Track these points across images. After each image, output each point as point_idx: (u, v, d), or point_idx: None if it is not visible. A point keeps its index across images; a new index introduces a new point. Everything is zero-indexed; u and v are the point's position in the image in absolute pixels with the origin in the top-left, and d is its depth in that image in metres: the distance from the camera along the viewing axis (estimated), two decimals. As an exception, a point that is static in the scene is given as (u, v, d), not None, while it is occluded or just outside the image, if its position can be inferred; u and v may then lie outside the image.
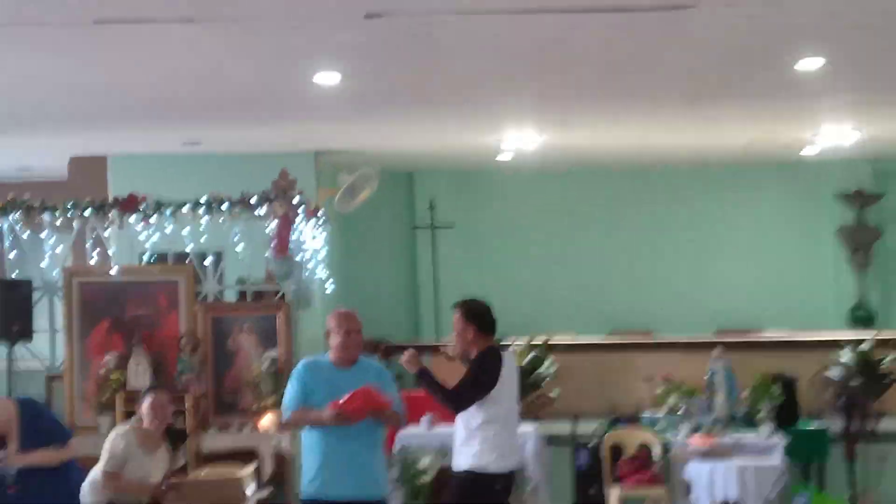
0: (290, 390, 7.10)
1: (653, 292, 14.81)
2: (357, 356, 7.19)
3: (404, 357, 7.23)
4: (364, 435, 7.02)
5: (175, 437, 8.10)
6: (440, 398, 7.23)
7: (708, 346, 11.27)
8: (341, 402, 6.79)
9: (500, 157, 13.26)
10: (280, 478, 10.59)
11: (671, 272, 14.94)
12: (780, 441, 10.17)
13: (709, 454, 9.88)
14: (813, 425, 11.02)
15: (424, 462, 10.29)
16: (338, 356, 7.16)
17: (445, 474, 9.38)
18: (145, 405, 7.90)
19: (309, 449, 7.11)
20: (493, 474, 7.19)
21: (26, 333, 11.10)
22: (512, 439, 7.44)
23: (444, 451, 10.02)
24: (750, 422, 10.59)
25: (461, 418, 7.25)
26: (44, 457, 7.06)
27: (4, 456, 6.92)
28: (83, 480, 7.58)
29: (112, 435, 7.93)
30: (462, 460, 7.20)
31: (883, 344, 11.27)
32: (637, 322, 14.13)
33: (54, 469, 7.13)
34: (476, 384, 7.18)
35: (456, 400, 7.17)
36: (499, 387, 7.24)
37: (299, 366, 7.26)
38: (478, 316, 7.39)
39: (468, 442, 7.18)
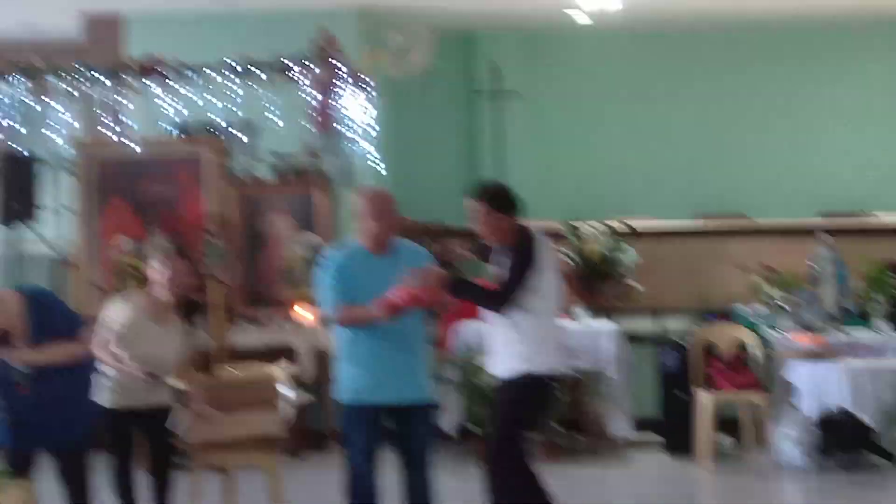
0: (328, 285, 6.98)
1: (746, 171, 14.44)
2: (393, 241, 7.09)
3: (432, 279, 6.77)
4: (406, 335, 6.99)
5: (190, 309, 7.73)
6: (482, 300, 6.93)
7: (811, 231, 10.90)
8: (392, 297, 6.66)
9: (575, 18, 12.95)
10: (319, 376, 10.37)
11: (768, 149, 14.50)
12: (899, 340, 9.87)
13: (815, 355, 9.47)
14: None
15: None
16: (373, 243, 7.02)
17: None
18: (157, 270, 7.44)
19: (346, 351, 7.04)
20: (549, 376, 6.94)
21: (30, 213, 10.97)
22: (560, 334, 7.23)
23: None
24: (863, 318, 10.23)
25: (503, 321, 6.89)
26: (56, 353, 6.74)
27: (12, 353, 6.67)
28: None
29: (114, 304, 7.54)
30: (510, 365, 6.88)
31: None
32: (729, 205, 13.71)
33: (68, 366, 6.81)
34: (520, 274, 6.83)
35: (499, 298, 6.81)
36: (540, 273, 6.90)
37: (331, 257, 7.15)
38: (503, 199, 6.97)
39: (513, 344, 6.86)
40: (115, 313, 7.36)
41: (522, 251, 6.86)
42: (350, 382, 6.98)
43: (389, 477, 7.28)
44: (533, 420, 7.12)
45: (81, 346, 6.84)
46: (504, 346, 6.87)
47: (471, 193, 6.98)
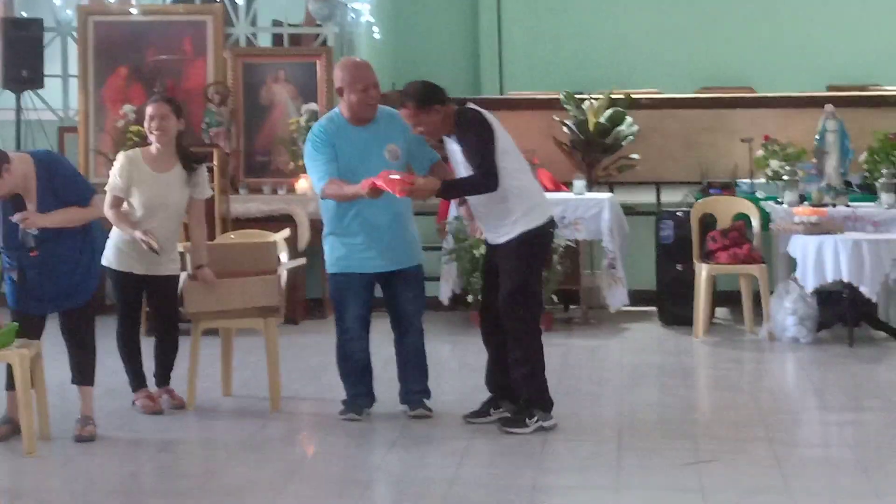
0: (319, 157, 7.11)
1: (753, 43, 14.13)
2: (375, 112, 7.19)
3: (420, 189, 6.84)
4: (393, 204, 7.08)
5: (188, 157, 7.56)
6: (474, 189, 6.94)
7: (817, 102, 10.84)
8: (378, 181, 6.76)
9: None
10: (318, 245, 10.16)
11: (774, 20, 14.23)
12: (902, 212, 9.78)
13: (817, 227, 9.43)
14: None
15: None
16: (356, 115, 7.15)
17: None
18: (146, 119, 7.49)
19: (334, 222, 7.24)
20: (546, 225, 7.11)
21: (36, 80, 10.99)
22: (536, 182, 7.40)
23: None
24: (867, 190, 10.26)
25: (488, 196, 6.94)
26: (65, 216, 6.79)
27: (23, 217, 6.70)
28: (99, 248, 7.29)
29: (117, 160, 7.61)
30: (511, 231, 6.96)
31: None
32: (733, 76, 13.44)
33: (77, 230, 6.88)
34: (486, 146, 6.87)
35: (486, 176, 6.84)
36: (497, 136, 6.94)
37: (317, 130, 7.23)
38: (430, 93, 6.92)
39: (507, 212, 6.95)
40: (117, 167, 7.43)
41: (473, 126, 6.90)
42: (338, 252, 7.19)
43: (380, 344, 7.59)
44: (542, 268, 7.31)
45: (90, 210, 6.88)
46: (499, 218, 6.94)
47: (403, 100, 6.92)
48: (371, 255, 7.14)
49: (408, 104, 6.88)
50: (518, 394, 7.02)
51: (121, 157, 7.54)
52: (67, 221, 6.77)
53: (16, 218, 6.65)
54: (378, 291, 7.32)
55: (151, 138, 7.44)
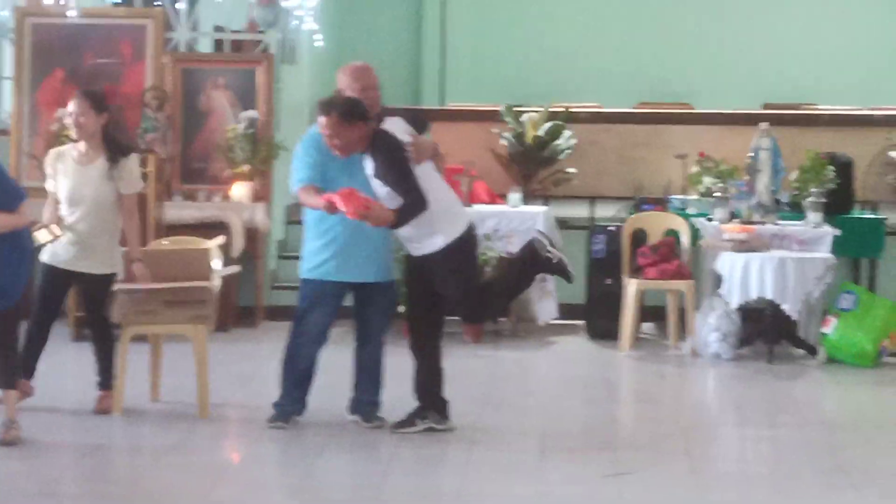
0: (304, 160, 7.11)
1: (691, 60, 14.22)
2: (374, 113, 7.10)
3: (374, 216, 6.83)
4: None
5: (114, 153, 7.55)
6: (414, 215, 6.91)
7: (753, 119, 10.78)
8: (333, 197, 6.76)
9: None
10: (252, 253, 10.52)
11: (712, 35, 14.33)
12: (828, 232, 9.84)
13: (745, 244, 9.50)
14: (868, 215, 10.59)
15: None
16: None
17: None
18: (69, 113, 7.56)
19: (313, 229, 7.23)
20: (470, 229, 7.22)
21: None
22: (450, 191, 7.36)
23: None
24: (796, 209, 10.26)
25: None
26: None
27: None
28: (34, 251, 7.29)
29: (47, 157, 7.72)
30: (435, 241, 7.03)
31: None
32: (671, 93, 13.48)
33: (6, 236, 6.81)
34: (409, 171, 6.95)
35: (420, 200, 6.90)
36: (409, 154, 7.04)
37: (313, 133, 7.16)
38: (355, 110, 6.94)
39: (433, 222, 7.00)
40: (46, 161, 7.54)
41: (394, 151, 6.92)
42: (316, 259, 7.20)
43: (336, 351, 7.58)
44: (475, 269, 7.40)
45: (15, 217, 6.80)
46: (423, 231, 6.97)
47: (324, 112, 6.91)
48: (348, 264, 7.16)
49: (332, 114, 6.86)
50: (416, 395, 7.19)
51: (51, 152, 7.64)
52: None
53: None
54: (348, 300, 7.33)
55: (72, 133, 7.54)
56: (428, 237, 7.01)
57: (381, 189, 6.94)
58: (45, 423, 7.27)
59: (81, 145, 7.52)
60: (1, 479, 6.34)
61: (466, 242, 7.15)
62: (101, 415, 7.47)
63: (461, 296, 7.07)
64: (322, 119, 6.93)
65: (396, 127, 7.02)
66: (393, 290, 7.44)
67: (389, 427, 7.15)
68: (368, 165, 7.02)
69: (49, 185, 7.53)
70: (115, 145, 7.59)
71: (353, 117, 6.90)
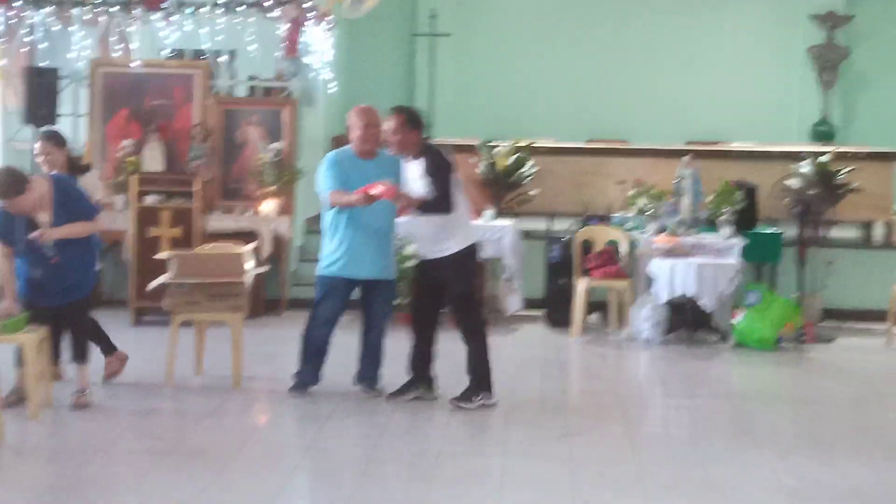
0: (329, 175, 7.06)
1: (629, 102, 14.23)
2: (376, 149, 7.13)
3: (405, 197, 6.86)
4: (384, 223, 7.13)
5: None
6: (436, 208, 6.88)
7: (678, 154, 10.69)
8: (371, 190, 6.79)
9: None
10: (277, 256, 10.44)
11: (647, 83, 14.33)
12: (737, 243, 9.74)
13: (671, 252, 9.49)
14: (769, 230, 10.52)
15: (412, 248, 9.76)
16: (359, 149, 7.10)
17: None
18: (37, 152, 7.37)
19: (334, 232, 7.14)
20: (475, 244, 7.20)
21: (51, 117, 10.73)
22: (468, 213, 7.30)
23: None
24: (711, 224, 10.14)
25: (428, 220, 6.96)
26: (74, 229, 6.77)
27: (39, 234, 6.66)
28: (99, 250, 7.26)
29: None
30: (454, 244, 6.97)
31: (841, 157, 10.81)
32: (613, 130, 13.51)
33: (83, 240, 6.87)
34: (448, 180, 6.93)
35: (445, 201, 6.88)
36: (454, 173, 7.05)
37: (331, 157, 7.19)
38: (420, 122, 7.00)
39: (450, 231, 6.95)
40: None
41: (442, 161, 6.92)
42: (332, 258, 7.13)
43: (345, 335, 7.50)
44: (476, 278, 7.29)
45: (93, 224, 6.87)
46: (438, 236, 6.92)
47: (395, 110, 6.93)
48: (359, 264, 7.10)
49: (399, 116, 6.88)
50: (469, 375, 7.05)
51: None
52: (75, 233, 6.76)
53: (33, 236, 6.63)
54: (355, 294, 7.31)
55: (45, 168, 7.33)
56: (444, 241, 6.93)
57: (421, 190, 6.85)
58: (111, 392, 7.28)
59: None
60: (74, 436, 6.40)
61: (473, 253, 7.09)
62: (111, 378, 7.46)
63: (459, 296, 6.99)
64: (391, 118, 6.90)
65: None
66: (393, 286, 7.39)
67: (450, 401, 6.99)
68: (414, 169, 6.91)
69: None
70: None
71: (415, 123, 6.90)
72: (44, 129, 7.65)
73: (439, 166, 6.90)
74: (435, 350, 7.25)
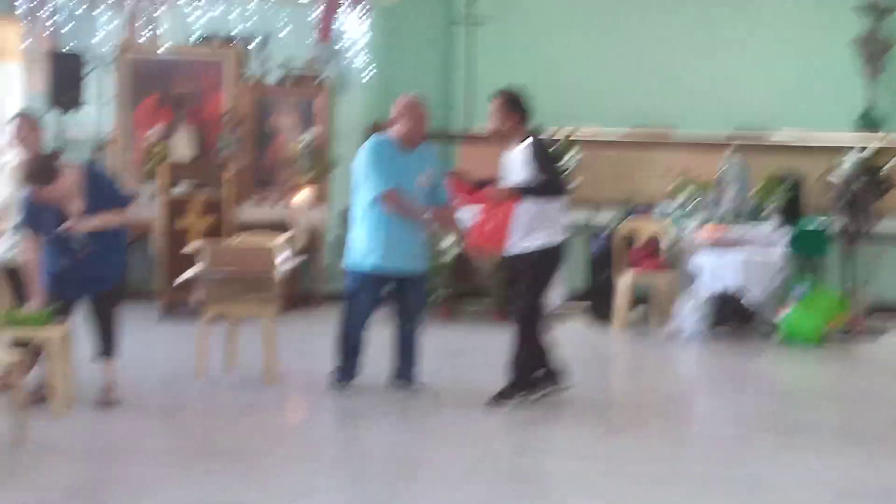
0: (381, 166, 6.96)
1: (674, 90, 13.86)
2: (419, 141, 7.12)
3: (497, 194, 6.84)
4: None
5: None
6: (544, 190, 6.76)
7: (723, 145, 10.65)
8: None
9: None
10: (311, 248, 10.39)
11: (692, 70, 13.97)
12: (783, 236, 9.73)
13: (715, 245, 9.48)
14: (815, 223, 10.42)
15: (448, 241, 9.76)
16: (405, 140, 7.05)
17: (465, 257, 9.56)
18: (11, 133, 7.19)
19: (368, 226, 7.05)
20: (557, 246, 6.97)
21: (77, 103, 10.64)
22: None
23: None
24: (757, 217, 10.10)
25: (528, 206, 6.81)
26: (105, 219, 6.68)
27: (69, 226, 6.59)
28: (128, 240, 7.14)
29: None
30: (538, 240, 6.86)
31: (887, 149, 10.72)
32: (657, 117, 13.27)
33: (113, 231, 6.79)
34: (553, 166, 6.93)
35: (556, 183, 6.85)
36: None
37: (380, 143, 7.08)
38: (520, 104, 6.94)
39: (536, 227, 6.84)
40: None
41: (543, 146, 6.89)
42: (363, 251, 7.06)
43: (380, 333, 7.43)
44: (550, 279, 7.02)
45: (125, 214, 6.78)
46: (526, 228, 6.82)
47: (497, 93, 6.92)
48: (391, 258, 7.03)
49: (500, 97, 6.87)
50: (508, 373, 6.96)
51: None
52: (106, 224, 6.67)
53: (63, 228, 6.55)
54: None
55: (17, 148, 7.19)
56: (530, 235, 6.82)
57: (523, 176, 6.75)
58: (139, 389, 7.21)
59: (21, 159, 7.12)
60: (103, 434, 6.36)
61: (556, 252, 6.93)
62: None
63: (523, 293, 6.88)
64: (493, 101, 6.90)
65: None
66: (426, 279, 7.33)
67: (489, 399, 6.89)
68: (517, 154, 6.82)
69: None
70: (44, 158, 7.06)
71: (513, 108, 6.84)
72: (19, 110, 7.50)
73: (542, 153, 6.81)
74: (545, 343, 7.08)
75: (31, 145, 7.21)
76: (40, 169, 6.49)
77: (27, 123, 7.30)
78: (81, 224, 6.59)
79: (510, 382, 6.95)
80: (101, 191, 6.70)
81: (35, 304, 6.56)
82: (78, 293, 6.79)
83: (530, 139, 6.85)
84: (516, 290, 6.94)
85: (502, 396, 6.93)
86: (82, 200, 6.62)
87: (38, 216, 6.59)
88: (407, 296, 7.22)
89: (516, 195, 6.76)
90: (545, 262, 6.92)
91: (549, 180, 6.77)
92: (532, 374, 6.98)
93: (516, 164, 6.84)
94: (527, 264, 6.86)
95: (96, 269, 6.75)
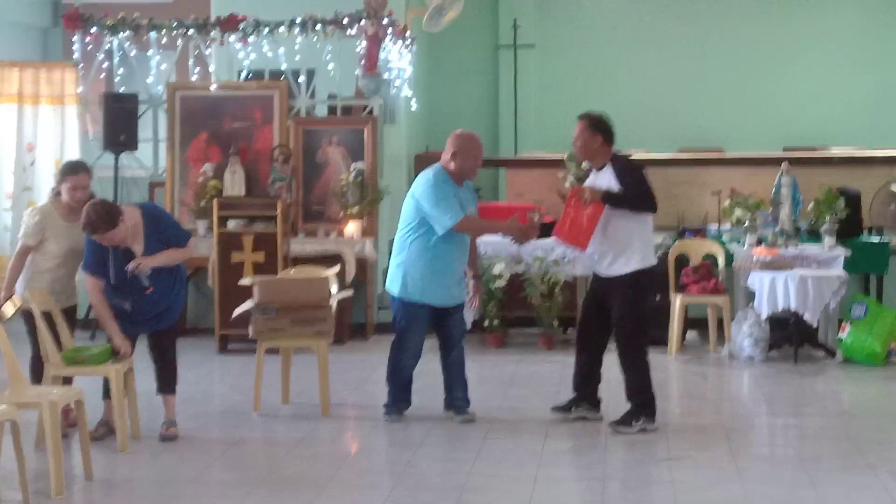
0: (448, 199, 7.04)
1: (723, 109, 14.01)
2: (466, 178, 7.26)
3: (590, 192, 6.86)
4: (463, 249, 7.21)
5: None
6: (636, 205, 6.87)
7: (775, 161, 10.58)
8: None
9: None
10: (362, 279, 10.49)
11: (741, 88, 14.10)
12: (841, 253, 9.64)
13: (771, 265, 9.35)
14: (875, 239, 10.33)
15: (498, 268, 9.84)
16: (462, 175, 7.16)
17: (517, 280, 9.89)
18: (65, 186, 7.06)
19: (419, 260, 7.13)
20: (652, 267, 7.05)
21: (131, 143, 10.91)
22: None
23: (518, 259, 9.69)
24: (813, 234, 10.07)
25: (617, 226, 6.89)
26: (168, 256, 6.83)
27: (137, 264, 6.70)
28: (187, 277, 7.28)
29: (27, 212, 7.26)
30: (630, 264, 6.90)
31: None
32: (706, 139, 13.33)
33: (172, 269, 6.94)
34: (647, 182, 6.94)
35: (650, 198, 6.89)
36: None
37: (443, 178, 7.13)
38: (603, 126, 6.98)
39: (630, 247, 6.89)
40: (27, 217, 7.05)
41: (629, 165, 6.96)
42: (415, 283, 7.14)
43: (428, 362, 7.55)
44: (645, 304, 7.05)
45: (187, 251, 6.92)
46: (619, 252, 6.88)
47: (579, 117, 6.99)
48: (441, 291, 7.15)
49: (584, 121, 6.94)
50: (628, 400, 7.01)
51: (33, 211, 7.12)
52: (170, 260, 6.82)
53: (131, 267, 6.66)
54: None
55: (66, 199, 7.00)
56: (620, 258, 6.88)
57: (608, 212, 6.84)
58: (198, 423, 7.35)
59: (66, 205, 7.03)
60: (163, 468, 6.46)
61: (647, 276, 6.98)
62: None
63: (623, 316, 6.90)
64: (578, 122, 6.98)
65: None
66: (463, 306, 7.39)
67: (610, 425, 6.97)
68: (602, 178, 6.92)
69: (24, 239, 7.03)
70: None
71: (598, 128, 6.92)
72: (70, 161, 7.53)
73: (631, 170, 6.90)
74: (600, 370, 7.23)
75: (87, 193, 7.13)
76: (102, 216, 6.57)
77: (88, 173, 7.20)
78: (147, 262, 6.71)
79: (635, 406, 6.99)
80: (161, 229, 6.85)
81: (117, 341, 6.71)
82: (140, 330, 6.92)
83: (616, 161, 6.94)
84: (619, 314, 6.92)
85: (623, 422, 6.97)
86: (143, 241, 6.76)
87: (101, 259, 6.72)
88: (450, 324, 7.31)
89: (607, 200, 6.83)
90: (644, 283, 6.98)
91: (645, 193, 6.85)
92: (652, 397, 7.02)
93: (605, 182, 6.91)
94: (626, 286, 6.89)
95: (159, 306, 6.88)
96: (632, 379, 7.00)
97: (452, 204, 7.03)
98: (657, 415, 7.08)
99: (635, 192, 6.83)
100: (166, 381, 7.04)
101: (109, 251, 6.72)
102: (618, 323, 6.94)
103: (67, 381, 6.76)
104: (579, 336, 7.25)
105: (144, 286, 6.73)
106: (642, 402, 6.99)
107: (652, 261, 7.00)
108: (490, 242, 9.77)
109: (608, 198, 6.83)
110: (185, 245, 6.94)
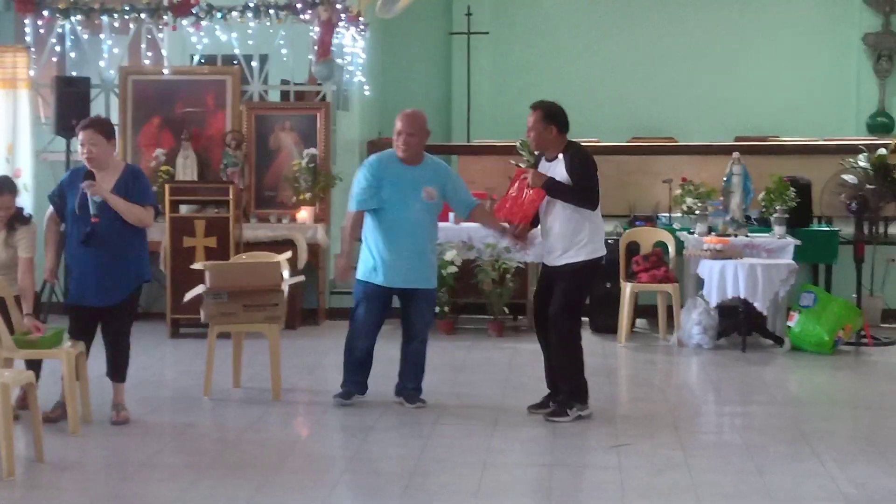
0: (363, 185, 7.14)
1: (674, 99, 14.15)
2: (419, 156, 7.19)
3: (534, 175, 6.92)
4: (424, 229, 7.20)
5: (11, 221, 7.03)
6: (576, 198, 6.87)
7: (726, 150, 10.71)
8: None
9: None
10: (314, 265, 10.50)
11: (693, 78, 14.24)
12: (791, 242, 9.71)
13: (721, 253, 9.42)
14: (824, 228, 10.46)
15: (450, 255, 9.90)
16: (405, 154, 7.18)
17: (468, 266, 9.97)
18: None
19: (371, 240, 7.20)
20: (601, 258, 7.08)
21: None
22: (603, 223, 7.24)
23: (469, 245, 9.74)
24: (763, 223, 10.14)
25: (568, 217, 6.91)
26: (124, 204, 6.80)
27: (91, 184, 6.75)
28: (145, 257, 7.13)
29: None
30: (577, 256, 6.92)
31: None
32: (659, 129, 13.46)
33: (135, 238, 6.92)
34: (594, 176, 6.94)
35: (591, 195, 6.90)
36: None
37: (372, 161, 7.26)
38: (557, 116, 6.96)
39: (579, 237, 6.91)
40: None
41: (587, 159, 6.93)
42: (370, 265, 7.20)
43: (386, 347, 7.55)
44: (586, 295, 7.15)
45: (143, 211, 6.83)
46: (568, 242, 6.89)
47: (533, 106, 6.95)
48: (395, 273, 7.15)
49: (537, 111, 6.91)
50: (561, 390, 7.02)
51: None
52: (125, 209, 6.75)
53: (85, 183, 6.70)
54: (395, 302, 7.36)
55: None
56: (571, 249, 6.90)
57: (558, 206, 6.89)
58: (149, 407, 7.36)
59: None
60: (114, 451, 6.48)
61: (596, 267, 7.03)
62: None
63: (561, 307, 6.91)
64: (530, 113, 6.95)
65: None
66: (433, 295, 7.42)
67: (543, 416, 6.99)
68: (556, 168, 6.92)
69: None
70: (15, 216, 7.05)
71: (552, 119, 6.90)
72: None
73: (583, 162, 6.89)
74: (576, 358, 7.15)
75: (10, 212, 7.01)
76: (105, 121, 7.07)
77: (12, 194, 7.08)
78: (101, 189, 6.72)
79: (566, 395, 6.99)
80: (132, 185, 6.87)
81: (28, 322, 6.70)
82: (91, 298, 6.85)
83: (570, 151, 6.94)
84: (556, 301, 6.92)
85: (558, 413, 6.98)
86: (114, 183, 6.82)
87: (67, 189, 6.84)
88: (412, 311, 7.33)
89: (548, 188, 6.86)
90: (591, 274, 7.03)
91: (589, 189, 6.87)
92: (584, 382, 7.05)
93: (557, 173, 6.93)
94: (571, 275, 6.92)
95: (110, 271, 6.83)
96: (564, 365, 7.01)
97: (361, 190, 7.11)
98: (590, 399, 7.11)
99: (580, 187, 6.85)
100: (116, 369, 7.03)
101: (81, 188, 6.73)
102: (555, 309, 6.95)
103: (33, 364, 6.73)
104: (539, 333, 7.22)
105: (92, 214, 6.70)
106: (572, 390, 7.01)
107: (601, 252, 7.04)
108: (443, 228, 9.80)
109: (550, 186, 6.87)
110: (146, 206, 6.88)
